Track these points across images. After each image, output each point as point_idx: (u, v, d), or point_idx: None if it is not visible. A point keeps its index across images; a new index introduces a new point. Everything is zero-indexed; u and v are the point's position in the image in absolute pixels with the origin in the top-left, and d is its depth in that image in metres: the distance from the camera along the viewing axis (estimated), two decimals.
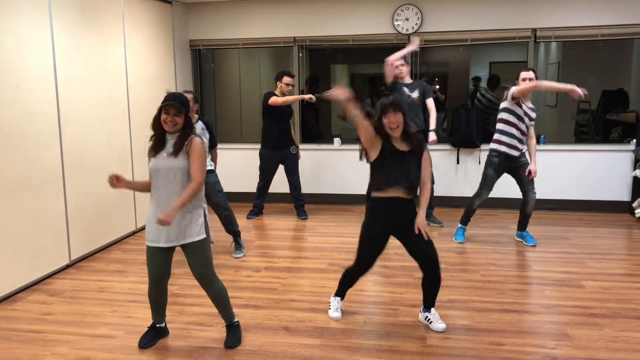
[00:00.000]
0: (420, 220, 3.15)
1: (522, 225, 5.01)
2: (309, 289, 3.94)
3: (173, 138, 2.93)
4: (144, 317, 3.46)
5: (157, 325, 3.20)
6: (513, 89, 4.67)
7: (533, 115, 4.76)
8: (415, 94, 5.42)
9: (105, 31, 4.96)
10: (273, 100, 5.61)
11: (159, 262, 2.99)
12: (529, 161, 4.81)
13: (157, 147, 2.94)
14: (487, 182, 4.91)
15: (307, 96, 5.75)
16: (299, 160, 6.03)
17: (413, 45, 5.27)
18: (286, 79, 5.70)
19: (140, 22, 5.57)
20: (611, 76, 7.32)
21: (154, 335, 3.17)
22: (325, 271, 4.30)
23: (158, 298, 3.11)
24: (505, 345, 3.04)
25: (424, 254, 3.17)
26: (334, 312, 3.49)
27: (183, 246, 2.98)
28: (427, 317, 3.34)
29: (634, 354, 2.92)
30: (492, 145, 4.85)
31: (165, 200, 2.90)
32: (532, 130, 4.81)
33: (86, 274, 4.35)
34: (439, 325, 3.28)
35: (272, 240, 5.28)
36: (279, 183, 6.39)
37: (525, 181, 4.83)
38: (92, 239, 4.81)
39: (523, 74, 4.72)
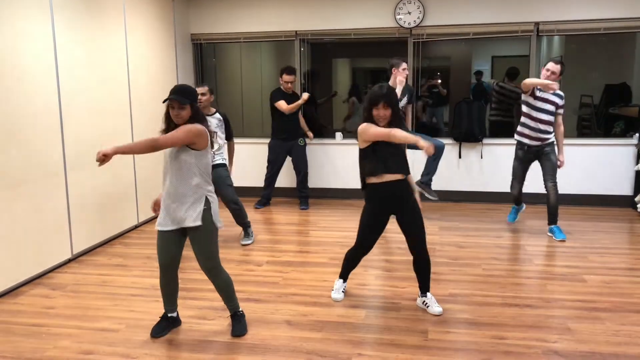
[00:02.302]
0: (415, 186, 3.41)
1: (550, 218, 4.98)
2: (310, 283, 3.95)
3: None
4: (146, 311, 3.48)
5: (169, 315, 3.21)
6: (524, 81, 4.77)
7: (559, 102, 4.76)
8: (404, 101, 5.41)
9: (106, 25, 4.95)
10: (278, 105, 5.91)
11: (167, 249, 3.02)
12: (555, 151, 4.87)
13: None
14: (514, 173, 5.10)
15: (304, 97, 5.94)
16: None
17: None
18: (285, 77, 5.91)
19: (142, 16, 5.56)
20: (614, 70, 7.29)
21: (166, 325, 3.19)
22: (327, 265, 4.30)
23: (166, 285, 3.13)
24: (506, 339, 3.05)
25: (414, 227, 3.31)
26: (335, 294, 3.63)
27: (187, 234, 3.01)
28: (424, 301, 3.45)
29: (636, 348, 2.93)
30: (515, 137, 5.02)
31: (172, 190, 2.92)
32: (559, 119, 4.82)
33: (88, 268, 4.36)
34: (435, 308, 3.38)
35: (274, 235, 5.29)
36: (283, 178, 6.39)
37: (545, 171, 4.89)
38: (94, 233, 4.82)
39: (548, 65, 4.73)
